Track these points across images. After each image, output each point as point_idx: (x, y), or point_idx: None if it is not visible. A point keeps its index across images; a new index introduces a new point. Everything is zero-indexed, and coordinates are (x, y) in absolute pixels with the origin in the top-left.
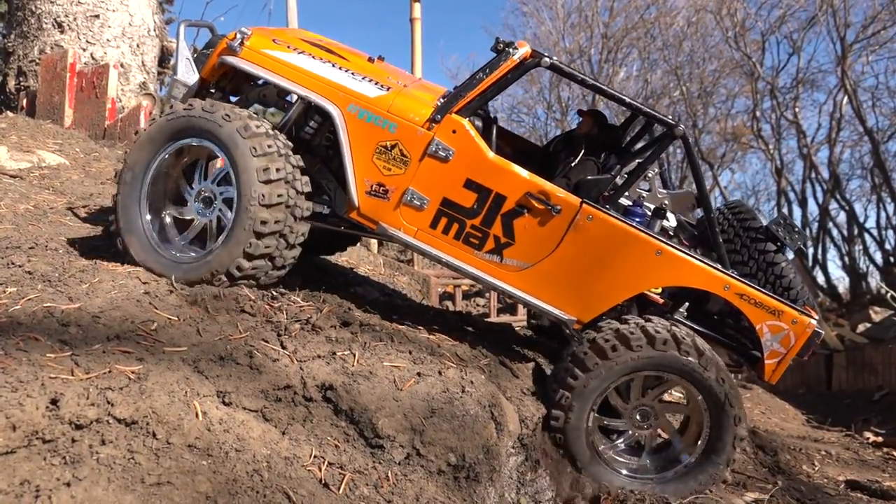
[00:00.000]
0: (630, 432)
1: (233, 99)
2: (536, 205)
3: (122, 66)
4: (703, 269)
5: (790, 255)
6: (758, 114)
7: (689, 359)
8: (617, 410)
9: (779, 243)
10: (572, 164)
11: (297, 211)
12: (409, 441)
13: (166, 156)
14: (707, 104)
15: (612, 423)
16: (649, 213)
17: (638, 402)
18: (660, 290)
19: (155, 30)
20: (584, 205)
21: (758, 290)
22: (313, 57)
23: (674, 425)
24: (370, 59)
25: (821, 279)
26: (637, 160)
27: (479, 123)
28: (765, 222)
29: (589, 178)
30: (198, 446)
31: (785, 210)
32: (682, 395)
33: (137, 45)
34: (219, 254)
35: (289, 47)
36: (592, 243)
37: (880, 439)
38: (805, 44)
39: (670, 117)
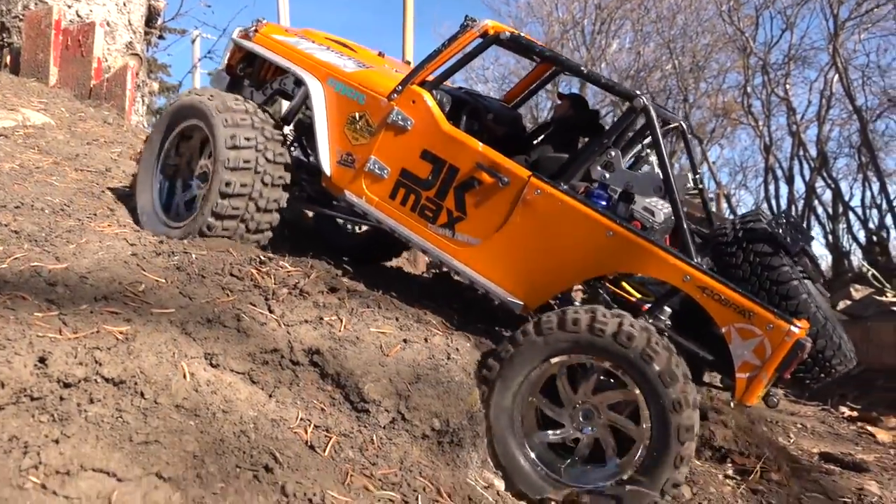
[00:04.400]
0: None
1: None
2: (486, 177)
3: (108, 24)
4: (661, 255)
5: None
6: (749, 89)
7: (606, 338)
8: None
9: (777, 244)
10: (535, 143)
11: (267, 178)
12: (395, 406)
13: (174, 136)
14: (699, 79)
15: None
16: (615, 196)
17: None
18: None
19: None
20: (532, 178)
21: (725, 284)
22: (312, 41)
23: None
24: (380, 54)
25: None
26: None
27: (440, 97)
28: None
29: (548, 155)
30: (185, 406)
31: (772, 187)
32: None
33: (124, 4)
34: (195, 218)
35: (296, 35)
36: (540, 220)
37: (855, 414)
38: (799, 20)
39: (630, 89)
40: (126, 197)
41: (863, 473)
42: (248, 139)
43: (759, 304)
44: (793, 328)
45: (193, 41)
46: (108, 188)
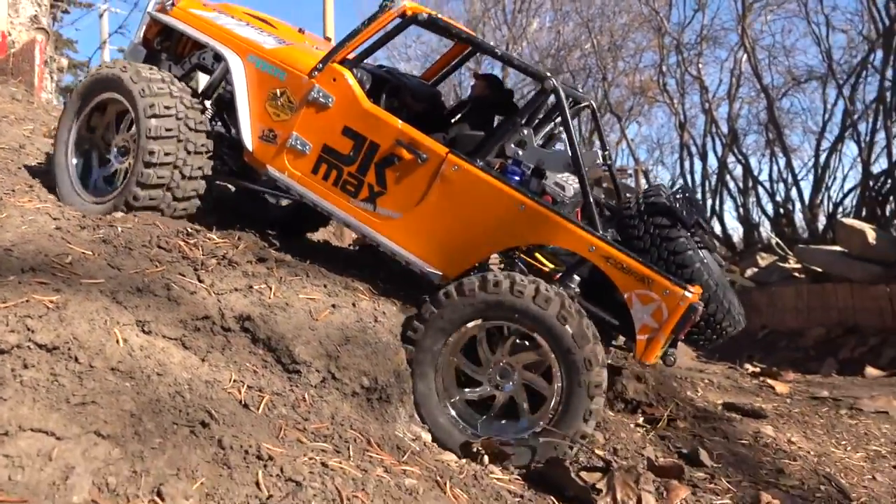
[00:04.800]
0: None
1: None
2: (406, 153)
3: None
4: (569, 227)
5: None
6: (664, 68)
7: (525, 300)
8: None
9: (675, 217)
10: (452, 122)
11: (190, 145)
12: (325, 366)
13: (89, 111)
14: (616, 58)
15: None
16: (528, 172)
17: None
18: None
19: None
20: (449, 154)
21: (627, 254)
22: (232, 17)
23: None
24: (300, 31)
25: (718, 229)
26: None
27: (360, 75)
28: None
29: (465, 133)
30: (120, 369)
31: (687, 163)
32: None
33: None
34: (122, 191)
35: (215, 10)
36: (457, 194)
37: (758, 370)
38: (709, 1)
39: (541, 70)
40: (43, 173)
41: (760, 419)
42: (167, 107)
43: (656, 272)
44: (686, 293)
45: (101, 15)
46: (24, 165)
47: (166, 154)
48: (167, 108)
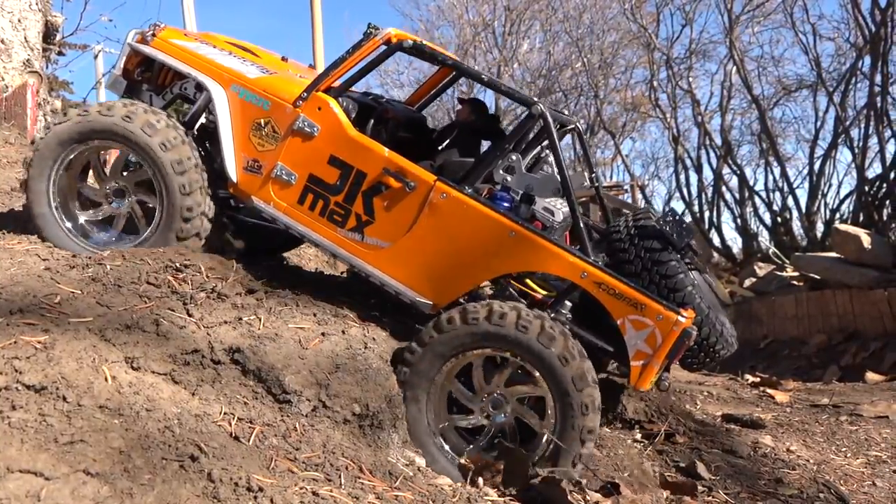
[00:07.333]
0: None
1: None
2: (393, 182)
3: (3, 42)
4: (560, 253)
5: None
6: (655, 84)
7: (505, 328)
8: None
9: (665, 240)
10: (439, 149)
11: (208, 190)
12: (316, 395)
13: (69, 158)
14: (608, 75)
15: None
16: (517, 198)
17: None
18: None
19: (37, 3)
20: (437, 182)
21: (619, 279)
22: (214, 46)
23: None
24: (283, 59)
25: (717, 241)
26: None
27: (345, 103)
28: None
29: (452, 160)
30: (109, 407)
31: (682, 176)
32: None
33: (19, 21)
34: (155, 240)
35: (196, 40)
36: (446, 222)
37: (758, 380)
38: (696, 15)
39: (528, 95)
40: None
41: (759, 429)
42: (189, 159)
43: (649, 297)
44: (680, 318)
45: (96, 56)
46: (16, 208)
47: (198, 205)
48: (189, 159)
